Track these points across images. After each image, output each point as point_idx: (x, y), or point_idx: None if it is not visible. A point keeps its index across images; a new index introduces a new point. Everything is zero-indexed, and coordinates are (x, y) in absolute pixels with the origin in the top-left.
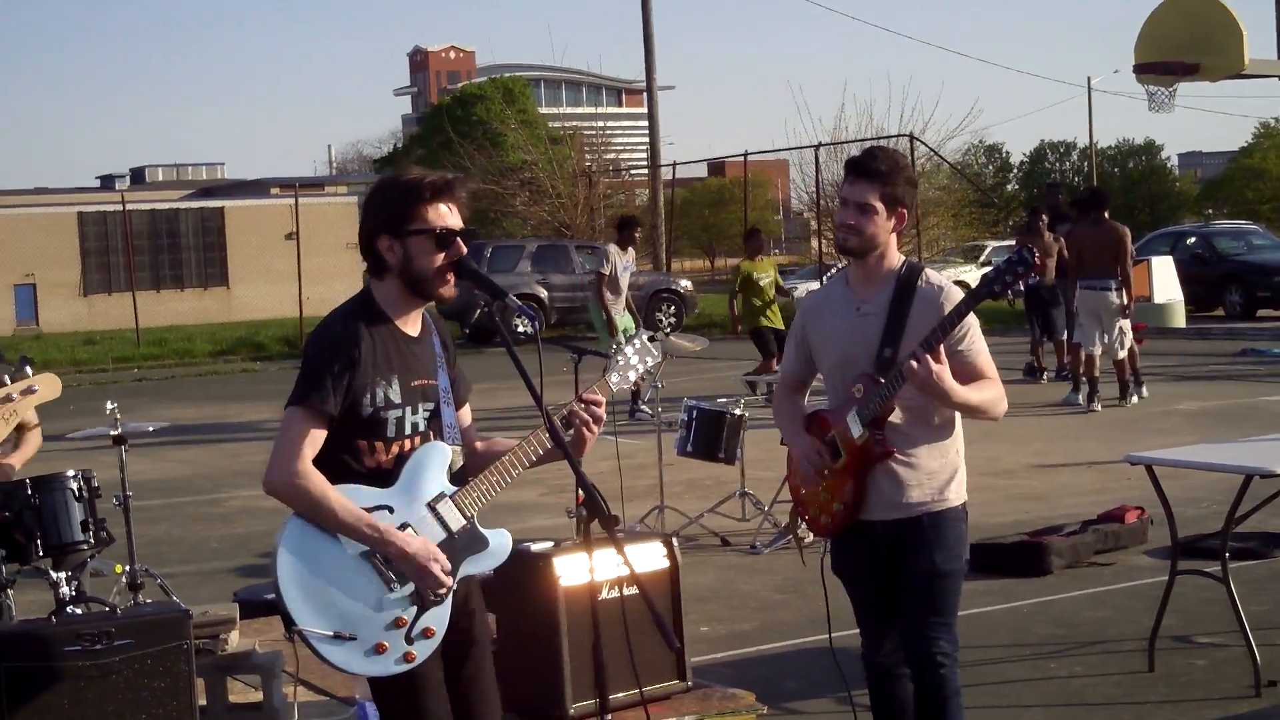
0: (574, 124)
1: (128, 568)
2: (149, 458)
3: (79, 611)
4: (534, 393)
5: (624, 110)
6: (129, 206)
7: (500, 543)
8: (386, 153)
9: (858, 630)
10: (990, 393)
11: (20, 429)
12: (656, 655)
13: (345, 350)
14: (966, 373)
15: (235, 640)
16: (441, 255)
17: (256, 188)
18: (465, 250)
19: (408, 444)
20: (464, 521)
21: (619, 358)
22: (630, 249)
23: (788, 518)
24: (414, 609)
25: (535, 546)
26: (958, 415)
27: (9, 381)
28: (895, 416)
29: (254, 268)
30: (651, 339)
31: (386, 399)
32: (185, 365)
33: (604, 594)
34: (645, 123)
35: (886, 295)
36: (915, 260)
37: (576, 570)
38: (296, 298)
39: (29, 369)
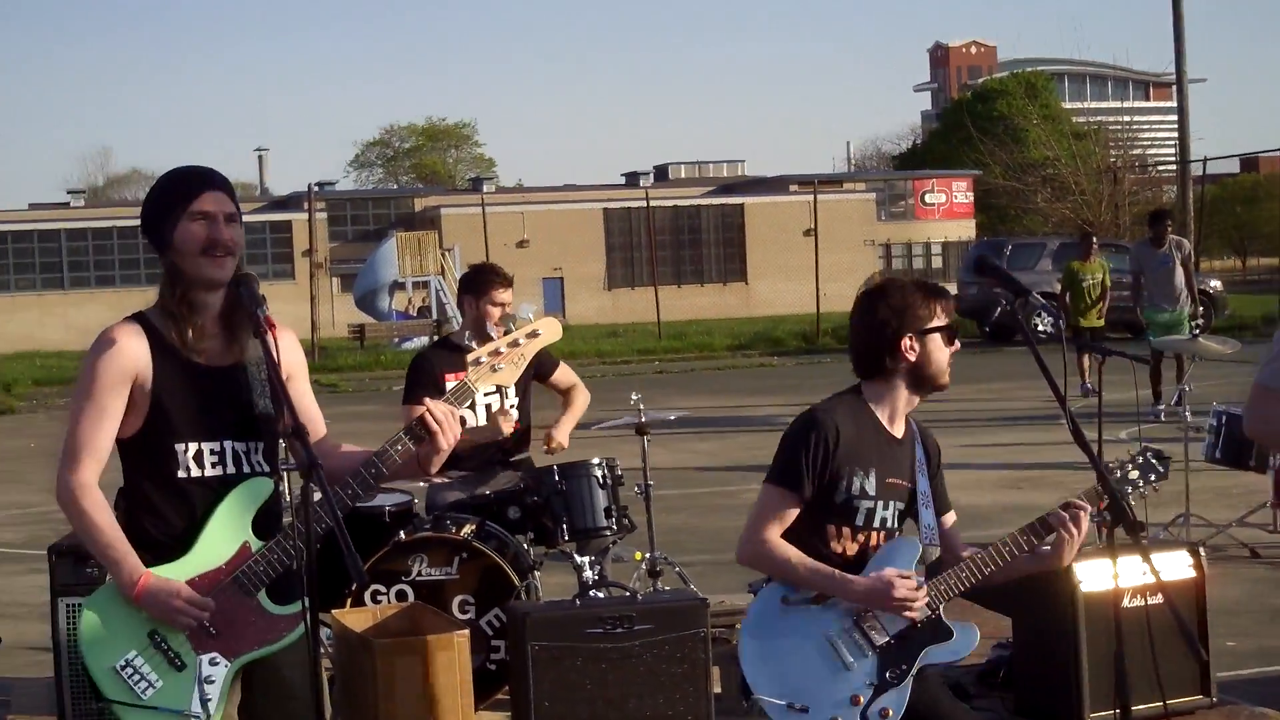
0: (1098, 119)
1: (648, 555)
2: (667, 448)
3: (601, 595)
4: (1057, 393)
5: (1151, 104)
6: (652, 203)
7: (966, 638)
8: (905, 149)
9: None
10: None
11: (567, 393)
12: (1178, 668)
13: (824, 438)
14: None
15: None
16: (949, 349)
17: (776, 185)
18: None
19: (874, 537)
20: (928, 612)
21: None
22: (1167, 242)
23: None
24: (871, 690)
25: None
26: None
27: (514, 328)
28: None
29: (772, 264)
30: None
31: (862, 489)
32: (704, 359)
33: (1126, 602)
34: (1174, 117)
35: None
36: None
37: (1097, 576)
38: (813, 294)
39: (530, 314)
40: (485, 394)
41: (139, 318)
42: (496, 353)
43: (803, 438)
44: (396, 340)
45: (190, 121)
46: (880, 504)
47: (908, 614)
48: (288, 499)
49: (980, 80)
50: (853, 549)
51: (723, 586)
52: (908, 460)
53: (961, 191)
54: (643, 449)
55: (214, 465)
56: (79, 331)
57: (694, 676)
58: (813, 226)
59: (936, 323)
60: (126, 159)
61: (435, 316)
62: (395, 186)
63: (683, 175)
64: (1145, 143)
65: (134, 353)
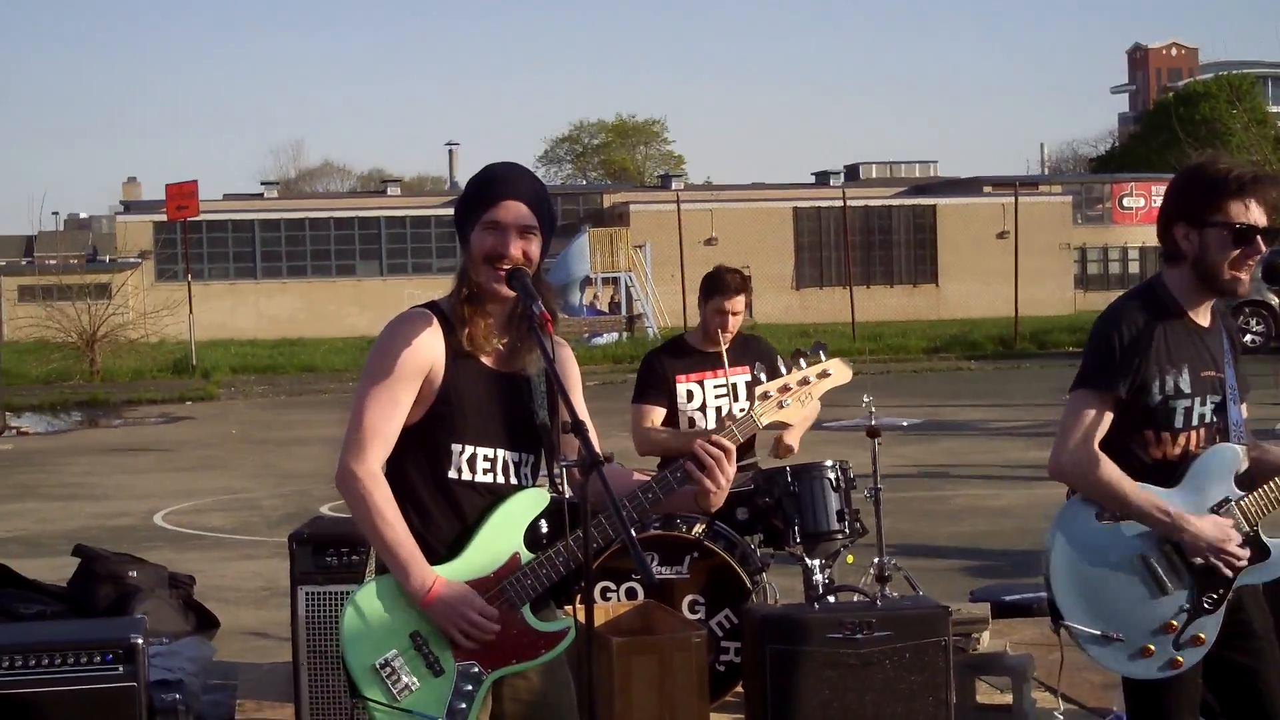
0: None
1: (876, 560)
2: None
3: (831, 600)
4: None
5: None
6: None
7: None
8: (1103, 152)
9: None
10: None
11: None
12: None
13: (1132, 335)
14: None
15: (986, 640)
16: (1238, 251)
17: (969, 186)
18: (1265, 249)
19: (1193, 436)
20: (1247, 529)
21: None
22: None
23: None
24: (1185, 616)
25: None
26: None
27: (805, 366)
28: None
29: (964, 266)
30: None
31: (1176, 388)
32: (898, 360)
33: None
34: None
35: None
36: None
37: None
38: (1005, 297)
39: (823, 354)
40: (716, 396)
41: (434, 307)
42: (786, 389)
43: (1107, 333)
44: (587, 335)
45: (383, 115)
46: (1197, 400)
47: (1222, 570)
48: (562, 491)
49: (1181, 83)
50: (1175, 452)
51: (939, 593)
52: (1219, 350)
53: (1161, 195)
54: (873, 452)
55: (485, 472)
56: (270, 320)
57: (934, 685)
58: (1011, 229)
59: (1219, 218)
60: (319, 152)
61: (625, 313)
62: (584, 182)
63: (874, 175)
64: None
65: (431, 345)
